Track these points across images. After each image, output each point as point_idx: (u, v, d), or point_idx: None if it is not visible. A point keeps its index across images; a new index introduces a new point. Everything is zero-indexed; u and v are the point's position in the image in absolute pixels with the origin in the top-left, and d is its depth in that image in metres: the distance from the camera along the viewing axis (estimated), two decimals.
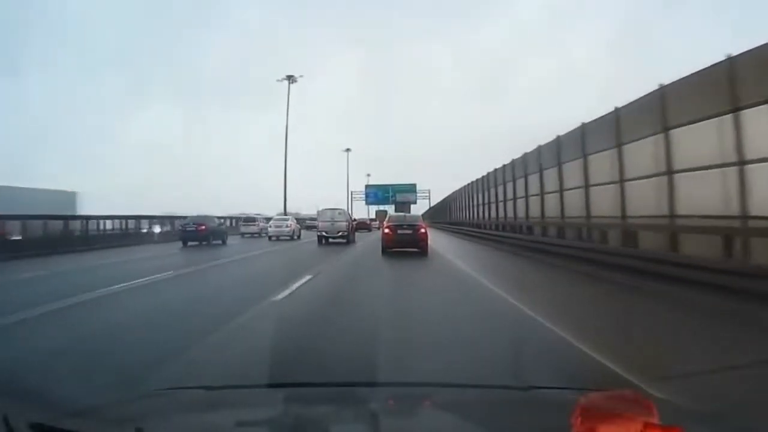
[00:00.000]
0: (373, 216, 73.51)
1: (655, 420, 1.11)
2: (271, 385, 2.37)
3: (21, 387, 3.57)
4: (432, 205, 76.17)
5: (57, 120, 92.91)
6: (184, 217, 29.47)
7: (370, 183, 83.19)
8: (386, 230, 18.17)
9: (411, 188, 78.92)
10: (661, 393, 3.36)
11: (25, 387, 3.62)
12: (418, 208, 78.85)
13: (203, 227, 26.16)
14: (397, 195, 78.37)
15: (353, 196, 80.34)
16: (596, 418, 1.11)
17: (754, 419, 2.33)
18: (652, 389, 3.51)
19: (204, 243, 25.50)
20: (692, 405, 2.63)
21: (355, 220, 35.23)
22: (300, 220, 40.39)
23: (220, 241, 27.33)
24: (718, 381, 4.03)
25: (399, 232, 17.80)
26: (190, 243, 25.40)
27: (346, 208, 54.78)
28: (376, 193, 79.93)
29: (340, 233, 25.34)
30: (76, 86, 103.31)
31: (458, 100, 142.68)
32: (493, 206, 27.14)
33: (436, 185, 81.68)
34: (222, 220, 30.20)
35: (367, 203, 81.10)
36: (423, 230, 17.92)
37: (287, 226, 31.84)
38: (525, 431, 1.62)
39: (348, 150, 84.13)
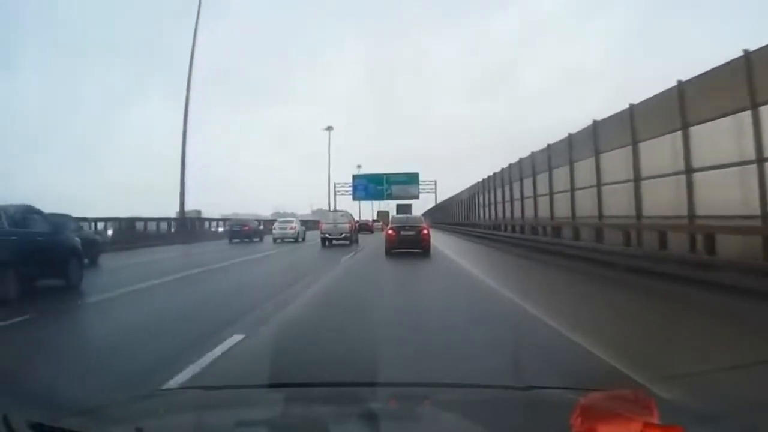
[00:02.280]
0: (364, 215, 64.77)
1: (655, 420, 1.11)
2: (271, 385, 2.37)
3: (21, 386, 3.57)
4: (438, 201, 63.09)
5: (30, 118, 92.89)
6: (222, 220, 40.37)
7: (360, 173, 65.38)
8: (389, 231, 19.02)
9: (412, 179, 62.20)
10: (663, 392, 3.36)
11: (26, 386, 3.62)
12: (422, 205, 68.22)
13: (247, 227, 32.81)
14: (394, 187, 61.85)
15: (340, 189, 64.15)
16: (596, 418, 1.11)
17: (755, 418, 2.32)
18: (654, 389, 3.51)
19: (246, 240, 31.42)
20: (692, 404, 2.62)
21: (357, 221, 35.15)
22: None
23: (258, 239, 32.34)
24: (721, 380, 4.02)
25: (402, 233, 18.46)
26: (234, 240, 31.28)
27: (327, 204, 52.80)
28: (367, 186, 62.36)
29: (343, 235, 25.87)
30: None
31: (465, 97, 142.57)
32: (511, 205, 25.02)
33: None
34: (259, 222, 37.48)
35: (355, 198, 63.26)
36: (425, 231, 18.58)
37: (291, 228, 31.89)
38: (525, 431, 1.62)
39: (329, 128, 64.80)
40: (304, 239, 31.97)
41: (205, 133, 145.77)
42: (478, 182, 35.29)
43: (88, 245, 16.12)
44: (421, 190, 64.02)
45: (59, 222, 11.83)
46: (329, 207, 57.10)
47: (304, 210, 63.42)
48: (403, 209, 58.03)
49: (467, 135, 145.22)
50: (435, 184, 65.17)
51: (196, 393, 2.24)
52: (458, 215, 45.60)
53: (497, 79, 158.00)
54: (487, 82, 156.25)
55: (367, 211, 74.37)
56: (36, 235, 9.73)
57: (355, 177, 65.66)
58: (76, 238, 11.27)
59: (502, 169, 26.87)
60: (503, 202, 26.65)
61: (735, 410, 2.86)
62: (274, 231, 31.93)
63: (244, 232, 32.24)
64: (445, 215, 54.39)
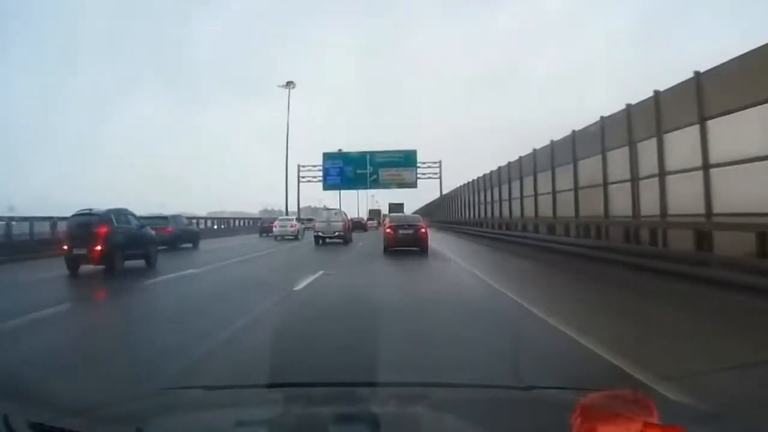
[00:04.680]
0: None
1: (655, 420, 1.11)
2: (271, 385, 2.37)
3: (21, 386, 3.57)
4: (443, 191, 49.66)
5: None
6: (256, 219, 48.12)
7: (335, 152, 48.27)
8: (388, 230, 19.15)
9: (407, 159, 46.63)
10: (664, 392, 3.36)
11: (26, 386, 3.62)
12: (423, 195, 58.15)
13: (274, 224, 37.62)
14: (382, 172, 46.65)
15: (306, 175, 48.87)
16: (596, 418, 1.11)
17: (755, 418, 2.33)
18: (656, 389, 3.51)
19: (272, 234, 36.13)
20: (693, 404, 2.62)
21: (351, 219, 35.22)
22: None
23: None
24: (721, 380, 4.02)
25: (400, 232, 18.70)
26: (263, 234, 36.74)
27: (285, 195, 46.29)
28: (343, 170, 46.77)
29: (336, 233, 26.09)
30: None
31: (463, 94, 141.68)
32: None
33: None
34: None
35: (327, 187, 48.02)
36: (423, 230, 18.79)
37: (291, 226, 33.17)
38: (525, 431, 1.63)
39: (290, 84, 46.02)
40: (303, 237, 32.63)
41: (195, 131, 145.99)
42: (481, 177, 31.66)
43: (194, 235, 26.09)
44: (420, 175, 48.02)
45: (150, 220, 17.75)
46: (286, 197, 47.97)
47: (292, 207, 60.34)
48: (395, 209, 49.34)
49: (473, 124, 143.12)
50: (440, 166, 48.13)
51: (196, 393, 2.24)
52: (461, 213, 38.82)
53: (505, 64, 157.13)
54: (494, 68, 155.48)
55: (350, 206, 61.72)
56: (131, 229, 14.12)
57: (326, 156, 47.39)
58: (152, 231, 15.75)
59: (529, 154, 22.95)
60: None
61: (735, 410, 2.86)
62: (275, 229, 32.66)
63: (271, 228, 37.42)
64: (447, 213, 44.76)
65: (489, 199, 30.51)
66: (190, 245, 24.16)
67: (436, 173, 48.71)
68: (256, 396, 2.20)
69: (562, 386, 2.40)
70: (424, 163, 48.13)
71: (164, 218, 23.16)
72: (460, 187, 40.40)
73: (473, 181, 35.34)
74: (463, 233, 32.88)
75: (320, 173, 48.08)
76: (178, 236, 23.37)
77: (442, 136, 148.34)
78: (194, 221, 32.44)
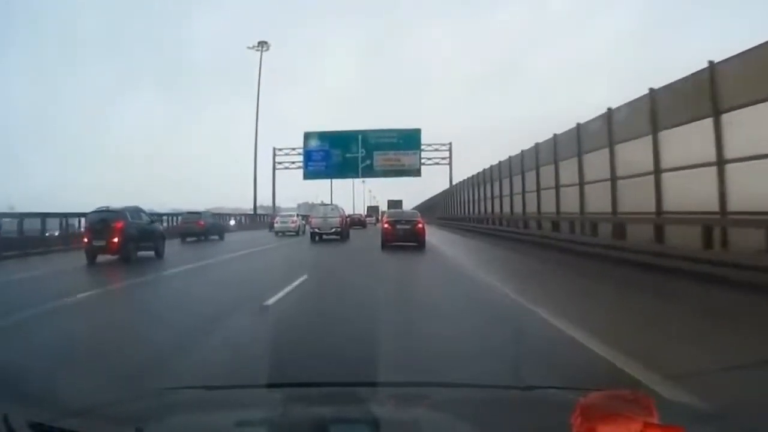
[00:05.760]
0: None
1: (656, 420, 1.11)
2: (271, 385, 2.37)
3: (21, 386, 3.57)
4: (452, 179, 41.37)
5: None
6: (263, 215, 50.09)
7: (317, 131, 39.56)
8: (386, 225, 19.47)
9: (407, 140, 38.05)
10: (664, 393, 3.36)
11: (26, 386, 3.62)
12: (425, 186, 57.28)
13: (275, 220, 39.43)
14: (377, 156, 38.48)
15: (284, 161, 41.87)
16: (596, 418, 1.11)
17: (756, 418, 2.33)
18: (655, 389, 3.51)
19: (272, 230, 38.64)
20: (693, 404, 2.62)
21: (348, 216, 34.01)
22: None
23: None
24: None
25: (398, 227, 19.07)
26: (271, 229, 36.84)
27: (254, 183, 43.24)
28: (329, 155, 38.54)
29: (333, 230, 25.43)
30: None
31: (468, 91, 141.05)
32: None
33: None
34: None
35: (308, 175, 39.94)
36: (420, 225, 19.12)
37: (293, 222, 33.59)
38: (525, 431, 1.63)
39: (262, 45, 41.23)
40: (304, 233, 32.25)
41: (193, 127, 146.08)
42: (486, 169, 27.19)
43: (220, 228, 29.99)
44: (426, 161, 39.67)
45: (156, 215, 20.58)
46: (255, 188, 44.15)
47: (288, 203, 57.46)
48: (394, 205, 47.55)
49: (482, 122, 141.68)
50: (450, 149, 39.46)
51: (196, 393, 2.25)
52: (463, 209, 32.92)
53: (516, 62, 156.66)
54: (489, 78, 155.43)
55: (345, 201, 57.48)
56: (142, 224, 16.06)
57: (308, 136, 38.65)
58: (160, 226, 18.47)
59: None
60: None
61: (735, 410, 2.86)
62: (276, 225, 32.62)
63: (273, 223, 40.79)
64: (461, 206, 35.96)
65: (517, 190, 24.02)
66: (216, 237, 28.16)
67: (445, 158, 39.66)
68: (256, 396, 2.20)
69: (562, 386, 2.40)
70: (429, 145, 39.17)
71: (198, 213, 28.27)
72: (468, 179, 33.89)
73: (492, 166, 28.55)
74: (477, 232, 27.92)
75: (300, 156, 39.37)
76: (207, 229, 27.61)
77: (447, 136, 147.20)
78: (219, 217, 35.26)
